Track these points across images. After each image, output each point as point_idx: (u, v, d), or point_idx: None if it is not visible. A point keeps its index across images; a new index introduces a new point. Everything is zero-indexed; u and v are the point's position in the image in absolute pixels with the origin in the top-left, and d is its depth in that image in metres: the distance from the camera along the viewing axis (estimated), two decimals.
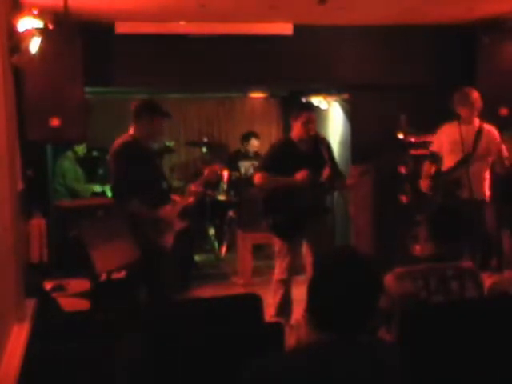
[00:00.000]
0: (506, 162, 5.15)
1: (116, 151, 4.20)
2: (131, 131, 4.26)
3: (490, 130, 5.17)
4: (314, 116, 4.86)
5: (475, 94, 5.11)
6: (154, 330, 2.56)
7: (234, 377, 1.97)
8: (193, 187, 4.47)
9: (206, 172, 4.55)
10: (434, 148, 5.32)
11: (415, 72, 6.26)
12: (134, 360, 2.52)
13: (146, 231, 4.12)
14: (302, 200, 4.71)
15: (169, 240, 4.25)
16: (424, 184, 5.25)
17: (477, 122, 5.15)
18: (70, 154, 6.72)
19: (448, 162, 5.17)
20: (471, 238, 4.62)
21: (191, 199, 4.49)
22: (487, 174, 5.17)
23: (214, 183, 6.78)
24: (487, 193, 5.16)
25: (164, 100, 7.37)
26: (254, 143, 7.67)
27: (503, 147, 5.16)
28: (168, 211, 4.25)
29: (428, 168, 5.30)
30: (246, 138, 7.71)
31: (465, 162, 5.02)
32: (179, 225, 4.34)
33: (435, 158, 5.21)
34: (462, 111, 5.11)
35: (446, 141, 5.21)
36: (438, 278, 2.87)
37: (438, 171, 5.19)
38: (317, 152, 4.73)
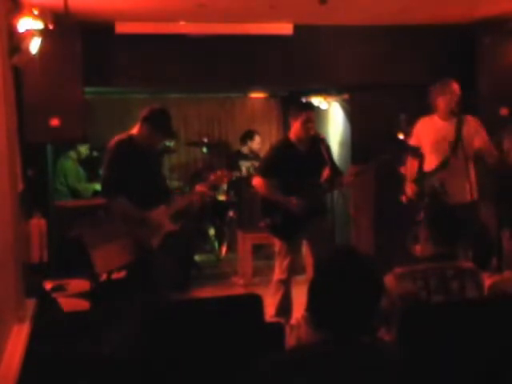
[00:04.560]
0: (495, 152, 4.87)
1: (109, 149, 4.20)
2: (134, 130, 4.24)
3: (470, 119, 4.89)
4: (314, 115, 4.84)
5: (455, 85, 4.88)
6: (154, 330, 2.56)
7: (234, 377, 1.97)
8: (198, 188, 4.46)
9: (212, 177, 4.53)
10: (412, 143, 5.10)
11: (415, 72, 6.26)
12: (134, 359, 2.52)
13: (131, 230, 4.10)
14: (301, 200, 4.70)
15: (154, 240, 4.21)
16: (409, 189, 4.99)
17: (455, 114, 4.84)
18: (72, 154, 6.74)
19: (431, 162, 4.92)
20: (470, 238, 4.61)
21: (195, 198, 4.48)
22: (473, 172, 4.86)
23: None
24: (474, 193, 4.79)
25: (164, 100, 7.40)
26: (255, 141, 7.49)
27: (486, 136, 4.87)
28: (158, 212, 4.22)
29: (411, 166, 5.05)
30: (244, 140, 7.56)
31: (445, 164, 4.80)
32: (169, 226, 4.30)
33: (417, 153, 4.98)
34: (441, 102, 4.87)
35: (426, 138, 4.97)
36: (437, 278, 2.87)
37: (421, 171, 4.97)
38: (316, 152, 4.72)
